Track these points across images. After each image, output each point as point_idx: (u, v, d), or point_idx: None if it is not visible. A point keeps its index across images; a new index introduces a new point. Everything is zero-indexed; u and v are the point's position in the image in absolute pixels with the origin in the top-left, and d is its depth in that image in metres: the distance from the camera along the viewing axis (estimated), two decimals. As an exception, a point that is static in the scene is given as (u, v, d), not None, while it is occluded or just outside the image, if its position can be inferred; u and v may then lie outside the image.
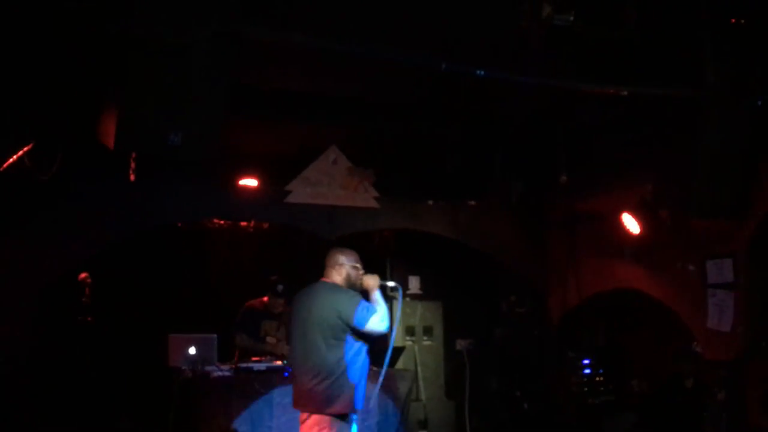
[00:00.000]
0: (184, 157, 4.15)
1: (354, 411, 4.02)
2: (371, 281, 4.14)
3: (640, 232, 5.83)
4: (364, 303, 4.01)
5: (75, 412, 5.44)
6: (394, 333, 4.33)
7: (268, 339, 6.00)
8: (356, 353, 4.00)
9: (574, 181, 6.43)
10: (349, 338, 3.99)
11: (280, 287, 5.95)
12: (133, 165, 4.77)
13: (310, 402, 3.96)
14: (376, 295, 4.11)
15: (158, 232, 5.92)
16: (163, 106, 3.65)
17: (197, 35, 3.51)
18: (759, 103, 4.68)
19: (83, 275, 5.56)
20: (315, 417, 3.92)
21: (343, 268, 4.15)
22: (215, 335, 5.32)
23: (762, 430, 4.98)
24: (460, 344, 6.98)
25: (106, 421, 5.81)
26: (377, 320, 3.95)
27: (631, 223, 5.85)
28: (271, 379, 5.28)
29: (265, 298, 6.03)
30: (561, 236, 6.87)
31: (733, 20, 4.16)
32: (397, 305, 4.51)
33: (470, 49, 4.55)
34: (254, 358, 5.64)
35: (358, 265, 4.19)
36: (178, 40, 3.46)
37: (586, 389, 6.59)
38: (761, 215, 4.93)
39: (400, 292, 4.34)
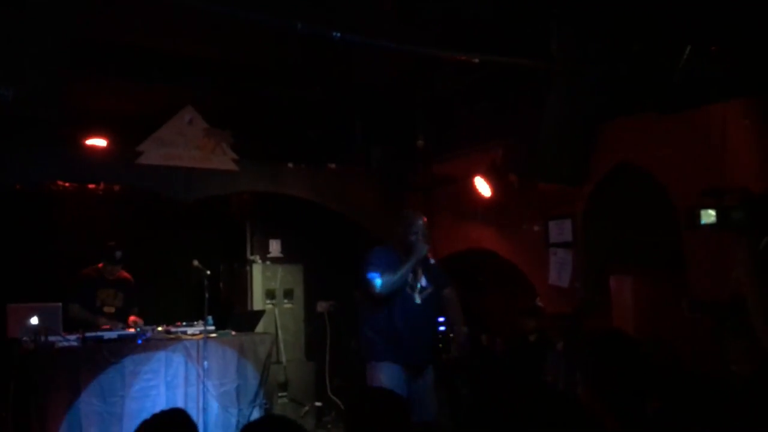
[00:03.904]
0: (19, 113, 3.87)
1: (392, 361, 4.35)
2: (417, 251, 4.37)
3: (491, 195, 6.09)
4: (372, 263, 4.33)
5: None
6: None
7: (105, 309, 5.76)
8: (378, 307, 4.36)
9: (432, 146, 6.63)
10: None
11: (118, 253, 5.71)
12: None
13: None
14: (407, 264, 4.34)
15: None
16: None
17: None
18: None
19: None
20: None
21: (401, 232, 4.47)
22: (60, 304, 5.02)
23: None
24: (321, 306, 7.07)
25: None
26: (373, 279, 4.28)
27: (482, 186, 6.10)
28: (122, 347, 5.07)
29: (100, 265, 5.79)
30: (419, 199, 7.07)
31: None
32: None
33: (328, 12, 4.53)
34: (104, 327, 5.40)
35: (418, 232, 4.42)
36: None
37: (441, 345, 6.88)
38: (596, 180, 5.32)
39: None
